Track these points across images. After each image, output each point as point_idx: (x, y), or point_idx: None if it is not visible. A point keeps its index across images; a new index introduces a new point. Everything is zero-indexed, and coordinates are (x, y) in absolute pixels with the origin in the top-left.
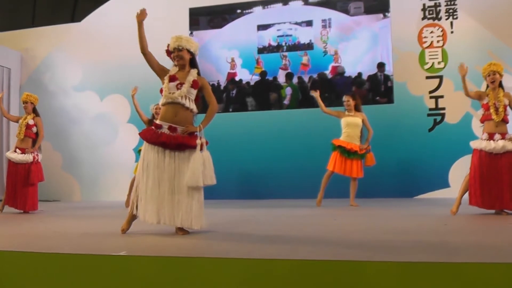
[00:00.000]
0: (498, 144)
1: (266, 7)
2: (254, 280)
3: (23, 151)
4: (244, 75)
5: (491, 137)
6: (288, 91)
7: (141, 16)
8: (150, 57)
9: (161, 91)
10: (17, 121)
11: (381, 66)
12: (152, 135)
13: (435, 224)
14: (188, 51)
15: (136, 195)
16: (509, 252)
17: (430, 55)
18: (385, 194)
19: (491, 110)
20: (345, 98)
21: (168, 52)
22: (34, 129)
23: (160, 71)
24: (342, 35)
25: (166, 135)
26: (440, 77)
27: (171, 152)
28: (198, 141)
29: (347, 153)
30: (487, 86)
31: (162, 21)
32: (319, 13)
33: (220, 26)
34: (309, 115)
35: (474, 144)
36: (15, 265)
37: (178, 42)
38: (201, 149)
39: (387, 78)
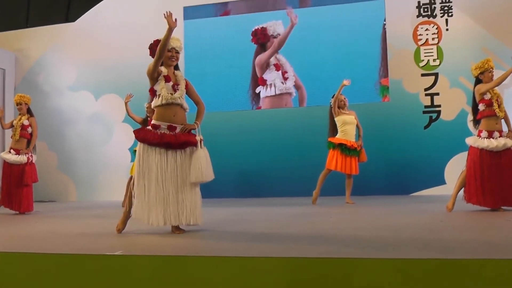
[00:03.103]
0: (499, 142)
1: None
2: (250, 278)
3: (18, 152)
4: None
5: (490, 134)
6: None
7: (174, 24)
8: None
9: (150, 91)
10: (11, 127)
11: None
12: (153, 136)
13: (431, 221)
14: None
15: (132, 195)
16: (506, 248)
17: (425, 53)
18: (381, 192)
19: (495, 106)
20: (343, 96)
21: (153, 48)
22: (29, 130)
23: (156, 71)
24: None
25: (169, 135)
26: (436, 75)
27: (173, 152)
28: (198, 138)
29: (347, 150)
30: (476, 82)
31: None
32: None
33: None
34: (305, 113)
35: (475, 143)
36: (11, 266)
37: (179, 43)
38: (201, 145)
39: None
